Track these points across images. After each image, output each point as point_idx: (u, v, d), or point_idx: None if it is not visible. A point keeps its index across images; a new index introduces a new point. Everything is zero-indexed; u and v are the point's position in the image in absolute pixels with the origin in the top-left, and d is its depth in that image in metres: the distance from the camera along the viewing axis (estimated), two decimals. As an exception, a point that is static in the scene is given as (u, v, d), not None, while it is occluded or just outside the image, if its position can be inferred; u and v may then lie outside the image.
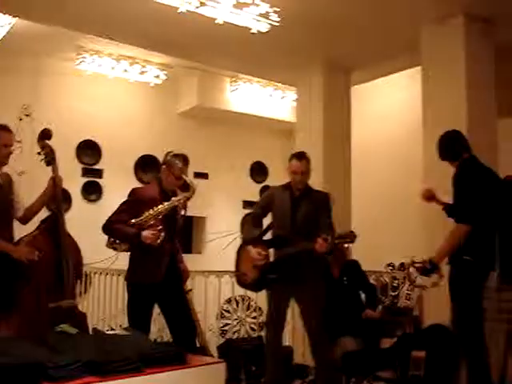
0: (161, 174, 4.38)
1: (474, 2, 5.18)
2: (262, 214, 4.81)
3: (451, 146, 4.30)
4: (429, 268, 4.09)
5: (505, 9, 5.26)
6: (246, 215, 4.80)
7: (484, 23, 5.45)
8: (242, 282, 4.80)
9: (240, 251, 4.75)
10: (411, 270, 4.22)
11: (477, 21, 5.41)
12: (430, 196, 4.45)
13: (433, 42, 5.59)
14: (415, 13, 5.41)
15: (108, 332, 3.60)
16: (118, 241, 4.30)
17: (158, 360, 2.86)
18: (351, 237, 4.67)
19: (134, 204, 4.29)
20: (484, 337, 4.05)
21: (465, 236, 4.00)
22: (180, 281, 4.46)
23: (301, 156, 4.65)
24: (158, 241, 4.14)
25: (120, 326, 5.52)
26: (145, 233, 4.14)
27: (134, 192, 4.40)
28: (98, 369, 2.67)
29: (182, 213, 4.42)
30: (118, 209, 4.33)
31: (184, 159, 4.38)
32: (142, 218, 4.19)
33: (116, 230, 4.26)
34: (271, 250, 4.62)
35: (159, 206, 4.20)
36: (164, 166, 4.34)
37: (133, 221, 4.20)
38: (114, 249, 4.36)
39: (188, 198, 4.27)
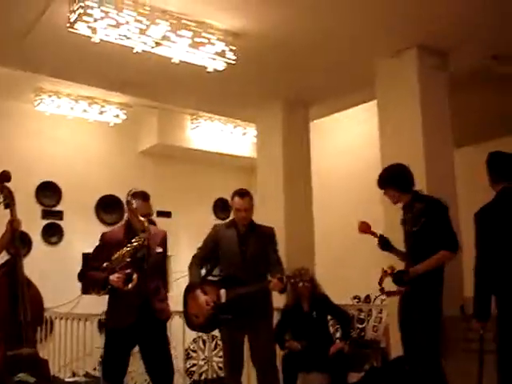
0: (128, 215, 4.39)
1: (427, 34, 5.29)
2: (206, 254, 4.79)
3: (410, 177, 4.38)
4: (405, 280, 4.13)
5: (457, 41, 5.40)
6: (192, 257, 4.77)
7: (437, 55, 5.57)
8: (192, 324, 4.72)
9: (188, 294, 4.69)
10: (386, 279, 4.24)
11: (430, 53, 5.52)
12: (365, 229, 4.50)
13: (387, 75, 5.69)
14: (370, 47, 5.50)
15: (68, 380, 3.50)
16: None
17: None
18: (303, 275, 4.89)
19: (103, 248, 4.32)
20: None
21: (444, 263, 4.17)
22: (157, 322, 4.34)
23: (243, 194, 4.71)
24: (130, 285, 4.11)
25: (86, 372, 5.41)
26: (111, 277, 4.14)
27: (102, 236, 4.43)
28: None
29: (159, 250, 4.39)
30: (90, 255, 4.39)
31: (143, 196, 4.37)
32: (110, 261, 4.17)
33: (88, 276, 4.36)
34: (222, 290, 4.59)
35: (123, 249, 4.16)
36: (127, 206, 4.35)
37: (104, 265, 4.18)
38: (96, 292, 4.31)
39: (144, 239, 4.20)
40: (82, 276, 4.36)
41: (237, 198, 4.70)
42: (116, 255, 4.17)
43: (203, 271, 4.73)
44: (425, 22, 5.07)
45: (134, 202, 4.26)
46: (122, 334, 4.21)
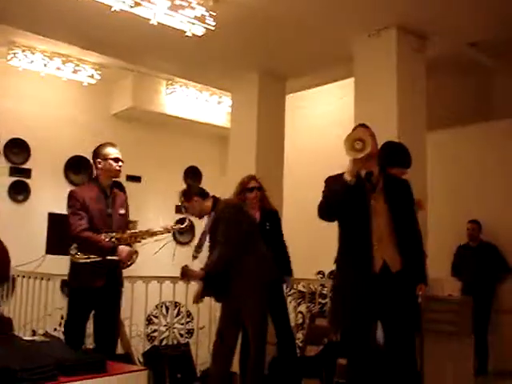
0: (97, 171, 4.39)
1: (407, 16, 5.30)
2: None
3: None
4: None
5: (436, 26, 5.41)
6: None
7: (416, 37, 5.58)
8: None
9: None
10: None
11: (409, 35, 5.53)
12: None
13: (366, 53, 5.68)
14: (349, 24, 5.49)
15: (26, 338, 3.47)
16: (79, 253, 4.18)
17: (77, 368, 2.76)
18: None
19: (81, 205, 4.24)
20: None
21: None
22: (120, 287, 4.43)
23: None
24: (129, 262, 4.19)
25: (46, 331, 5.38)
26: (122, 247, 4.15)
27: (75, 193, 4.32)
28: (13, 376, 2.56)
29: (122, 212, 4.39)
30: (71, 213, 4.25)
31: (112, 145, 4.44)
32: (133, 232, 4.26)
33: (88, 238, 4.15)
34: None
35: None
36: (99, 160, 4.34)
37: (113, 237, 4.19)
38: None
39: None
40: (77, 238, 4.20)
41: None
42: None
43: None
44: (405, 4, 5.07)
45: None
46: (89, 295, 4.18)
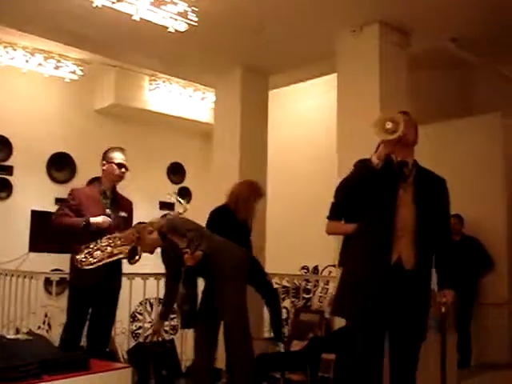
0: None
1: (389, 12, 5.32)
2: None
3: None
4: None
5: (417, 21, 5.44)
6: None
7: (398, 33, 5.61)
8: None
9: None
10: None
11: (392, 30, 5.55)
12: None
13: (349, 49, 5.70)
14: (332, 19, 5.50)
15: (9, 337, 3.45)
16: (87, 255, 4.22)
17: (60, 366, 2.76)
18: None
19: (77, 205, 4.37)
20: None
21: None
22: (118, 284, 4.56)
23: None
24: (137, 257, 4.35)
25: (30, 329, 5.36)
26: (93, 218, 4.26)
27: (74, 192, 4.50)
28: (-5, 375, 2.55)
29: (123, 214, 4.52)
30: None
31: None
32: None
33: (62, 223, 4.29)
34: None
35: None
36: (104, 162, 4.48)
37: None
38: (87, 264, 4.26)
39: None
40: (55, 222, 4.29)
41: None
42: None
43: None
44: (388, 0, 5.09)
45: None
46: (89, 293, 4.26)
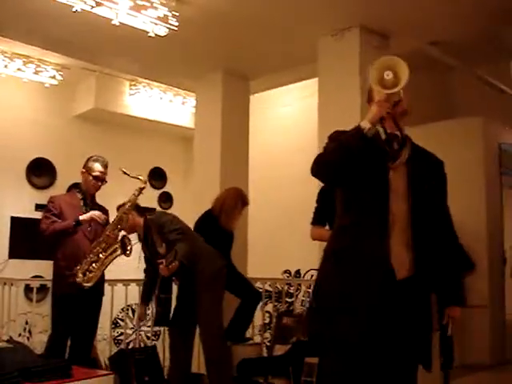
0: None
1: (369, 16, 5.34)
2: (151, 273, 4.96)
3: None
4: None
5: (396, 25, 5.47)
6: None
7: (378, 37, 5.63)
8: None
9: None
10: None
11: (372, 34, 5.58)
12: None
13: (329, 53, 5.71)
14: (313, 24, 5.51)
15: (-12, 344, 3.42)
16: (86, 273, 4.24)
17: (41, 374, 2.74)
18: None
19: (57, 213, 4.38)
20: None
21: None
22: (102, 290, 4.59)
23: None
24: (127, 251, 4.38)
25: (10, 337, 5.30)
26: (82, 216, 4.30)
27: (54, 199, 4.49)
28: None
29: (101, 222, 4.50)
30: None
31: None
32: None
33: (54, 230, 4.27)
34: None
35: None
36: (83, 170, 4.48)
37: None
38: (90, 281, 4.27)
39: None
40: (47, 232, 4.29)
41: None
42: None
43: None
44: (368, 4, 5.11)
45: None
46: (73, 301, 4.23)
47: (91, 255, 4.26)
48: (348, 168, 2.51)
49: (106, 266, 4.34)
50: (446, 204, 2.75)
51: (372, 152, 2.53)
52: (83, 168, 4.49)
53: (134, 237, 4.85)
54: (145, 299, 5.05)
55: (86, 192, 4.49)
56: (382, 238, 2.49)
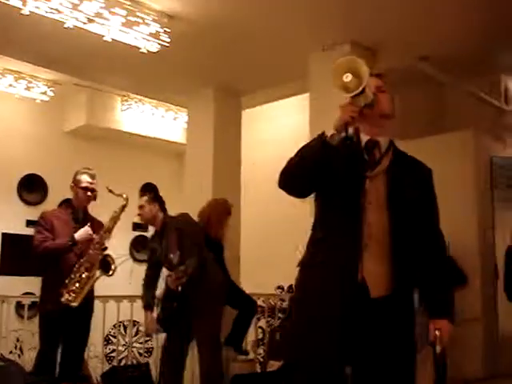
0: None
1: (359, 31, 5.39)
2: (152, 273, 4.95)
3: None
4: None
5: (386, 40, 5.52)
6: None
7: (369, 52, 5.67)
8: None
9: None
10: None
11: (362, 50, 5.61)
12: None
13: (320, 68, 5.73)
14: (304, 40, 5.54)
15: (-20, 363, 3.39)
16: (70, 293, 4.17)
17: (32, 392, 2.71)
18: None
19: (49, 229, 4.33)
20: None
21: None
22: (91, 307, 4.49)
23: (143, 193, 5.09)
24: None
25: (1, 355, 5.27)
26: (77, 235, 4.23)
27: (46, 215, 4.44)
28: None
29: (95, 236, 4.42)
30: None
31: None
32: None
33: (46, 248, 4.21)
34: None
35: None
36: (72, 184, 4.45)
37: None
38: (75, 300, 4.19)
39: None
40: (39, 249, 4.25)
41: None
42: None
43: None
44: (359, 20, 5.16)
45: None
46: (58, 317, 4.16)
47: (75, 275, 4.22)
48: (313, 179, 2.40)
49: (91, 286, 4.27)
50: (434, 214, 2.54)
51: (346, 160, 2.39)
52: (72, 183, 4.48)
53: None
54: (148, 304, 4.92)
55: (79, 207, 4.46)
56: (354, 251, 2.31)
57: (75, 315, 4.23)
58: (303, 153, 2.42)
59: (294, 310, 2.52)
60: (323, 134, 2.33)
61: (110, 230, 4.40)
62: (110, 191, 4.45)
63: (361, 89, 2.24)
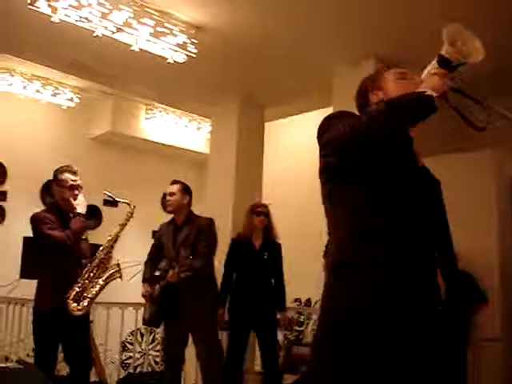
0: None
1: (385, 46, 5.38)
2: (154, 252, 4.93)
3: None
4: None
5: (412, 55, 5.50)
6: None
7: (394, 67, 5.65)
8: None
9: None
10: None
11: (386, 64, 5.61)
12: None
13: (344, 83, 5.74)
14: (329, 54, 5.56)
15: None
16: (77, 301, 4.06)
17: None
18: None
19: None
20: None
21: None
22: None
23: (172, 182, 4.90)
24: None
25: (19, 357, 5.30)
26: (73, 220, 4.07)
27: (41, 216, 4.20)
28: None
29: (84, 237, 4.27)
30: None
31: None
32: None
33: (74, 229, 4.07)
34: None
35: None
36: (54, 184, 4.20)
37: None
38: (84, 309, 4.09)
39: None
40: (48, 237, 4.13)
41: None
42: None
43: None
44: (383, 33, 5.16)
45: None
46: (50, 319, 4.04)
47: (85, 281, 4.08)
48: (395, 143, 2.05)
49: (98, 294, 4.13)
50: (448, 224, 2.33)
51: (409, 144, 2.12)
52: (54, 183, 4.22)
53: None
54: (148, 278, 4.84)
55: (65, 207, 4.18)
56: (429, 248, 1.96)
57: (70, 317, 4.09)
58: (404, 103, 2.05)
59: (338, 342, 1.92)
60: (425, 92, 2.00)
61: (116, 238, 4.33)
62: (110, 197, 4.41)
63: (482, 57, 2.07)
